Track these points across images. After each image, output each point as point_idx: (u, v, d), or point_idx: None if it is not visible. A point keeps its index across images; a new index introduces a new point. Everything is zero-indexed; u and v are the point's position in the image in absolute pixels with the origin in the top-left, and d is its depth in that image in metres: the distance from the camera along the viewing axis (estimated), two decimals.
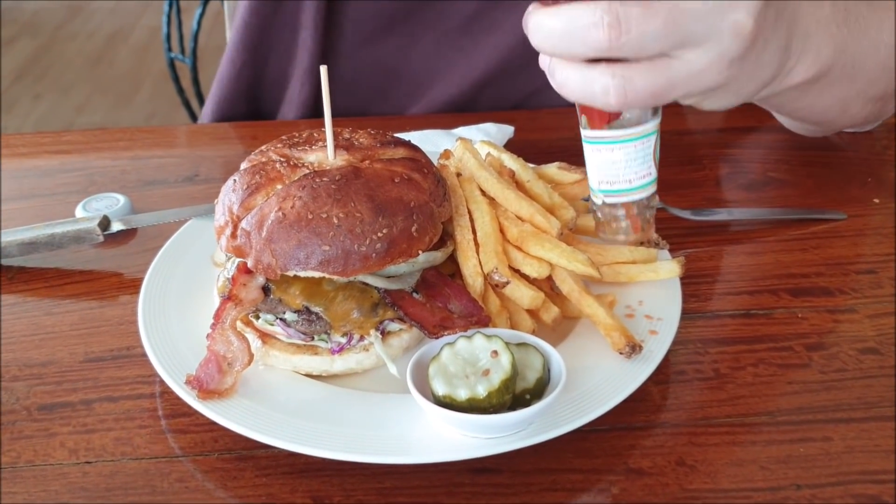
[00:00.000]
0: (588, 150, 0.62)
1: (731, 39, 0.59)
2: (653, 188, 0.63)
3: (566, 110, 1.18)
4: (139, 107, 4.28)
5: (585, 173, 0.64)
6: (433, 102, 1.17)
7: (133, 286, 0.81)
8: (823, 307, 0.78)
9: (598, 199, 0.63)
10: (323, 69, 0.66)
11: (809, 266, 0.83)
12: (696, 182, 0.98)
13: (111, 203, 0.90)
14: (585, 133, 0.61)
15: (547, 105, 1.21)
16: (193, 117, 2.87)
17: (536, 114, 1.16)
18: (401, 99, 1.18)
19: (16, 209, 0.95)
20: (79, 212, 0.90)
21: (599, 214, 0.64)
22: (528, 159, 0.93)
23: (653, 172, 0.62)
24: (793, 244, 0.86)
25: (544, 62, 0.60)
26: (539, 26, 0.57)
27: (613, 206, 0.63)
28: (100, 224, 0.84)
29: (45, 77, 4.72)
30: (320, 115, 1.20)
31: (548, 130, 1.11)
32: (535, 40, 0.58)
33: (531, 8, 0.58)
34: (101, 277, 0.83)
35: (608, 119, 0.60)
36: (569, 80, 0.58)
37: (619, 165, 0.60)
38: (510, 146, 1.04)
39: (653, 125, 0.61)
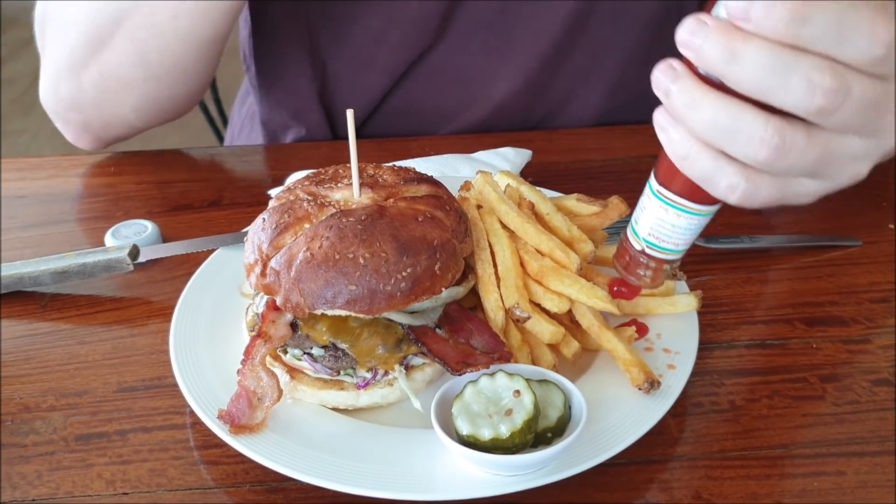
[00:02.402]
0: (652, 203, 0.62)
1: (847, 180, 0.59)
2: (683, 253, 0.64)
3: (581, 131, 1.19)
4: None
5: (623, 208, 0.65)
6: (453, 129, 1.19)
7: (162, 314, 0.83)
8: (837, 337, 0.79)
9: (637, 245, 0.64)
10: (349, 113, 0.68)
11: (824, 294, 0.85)
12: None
13: (139, 230, 0.93)
14: (659, 189, 0.61)
15: (562, 125, 1.23)
16: (209, 118, 2.88)
17: (553, 134, 1.18)
18: (421, 127, 1.20)
19: (45, 234, 0.98)
20: (108, 239, 0.92)
21: (630, 252, 0.65)
22: (545, 181, 0.95)
23: (693, 242, 0.64)
24: (808, 272, 0.88)
25: (667, 122, 0.56)
26: (697, 106, 0.54)
27: (649, 255, 0.64)
28: (130, 253, 0.86)
29: None
30: (337, 133, 1.22)
31: (565, 152, 1.13)
32: (686, 116, 0.54)
33: (682, 76, 0.54)
34: (131, 305, 0.85)
35: (704, 198, 0.61)
36: (698, 161, 0.56)
37: (678, 230, 0.61)
38: (528, 169, 1.06)
39: (718, 206, 0.62)
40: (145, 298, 0.86)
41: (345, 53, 1.16)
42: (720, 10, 0.52)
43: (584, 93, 1.21)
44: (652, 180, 0.61)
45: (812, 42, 0.50)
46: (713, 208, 0.60)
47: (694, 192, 0.59)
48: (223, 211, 1.01)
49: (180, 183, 1.07)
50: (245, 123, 1.38)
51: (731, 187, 0.55)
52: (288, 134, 1.25)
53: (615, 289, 0.72)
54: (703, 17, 0.51)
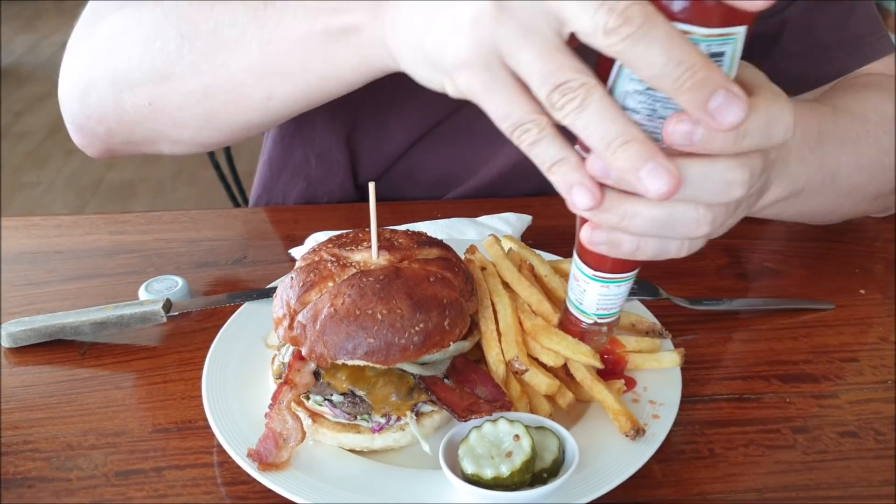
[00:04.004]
0: (591, 285, 0.69)
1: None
2: None
3: None
4: (167, 164, 4.43)
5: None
6: (457, 195, 1.28)
7: (192, 363, 0.90)
8: (809, 392, 0.87)
9: (588, 320, 0.73)
10: (371, 186, 0.76)
11: (799, 354, 0.93)
12: (698, 271, 1.08)
13: (171, 285, 1.01)
14: (595, 273, 0.68)
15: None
16: (221, 175, 2.98)
17: (551, 200, 1.26)
18: (429, 191, 1.29)
19: (81, 288, 1.06)
20: (141, 293, 1.00)
21: (581, 327, 0.74)
22: (545, 244, 1.03)
23: None
24: (784, 332, 0.96)
25: (604, 237, 0.64)
26: (634, 215, 0.60)
27: (601, 324, 0.73)
28: (164, 307, 0.94)
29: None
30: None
31: (562, 217, 1.20)
32: (626, 226, 0.61)
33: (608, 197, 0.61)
34: (164, 354, 0.93)
35: (634, 265, 0.69)
36: (648, 247, 0.63)
37: (621, 295, 0.70)
38: (528, 232, 1.15)
39: None
40: (177, 348, 0.94)
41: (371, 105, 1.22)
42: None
43: None
44: (584, 268, 0.69)
45: (748, 147, 0.60)
46: (636, 270, 0.69)
47: (628, 264, 0.68)
48: (247, 268, 1.09)
49: (207, 241, 1.16)
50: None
51: (678, 251, 0.65)
52: (293, 177, 1.33)
53: (605, 357, 0.81)
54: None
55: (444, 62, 0.63)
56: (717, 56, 0.56)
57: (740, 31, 0.56)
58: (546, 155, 0.60)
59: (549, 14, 0.56)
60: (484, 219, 1.13)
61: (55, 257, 1.12)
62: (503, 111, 0.60)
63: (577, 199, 0.59)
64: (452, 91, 0.65)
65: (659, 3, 0.54)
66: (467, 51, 0.60)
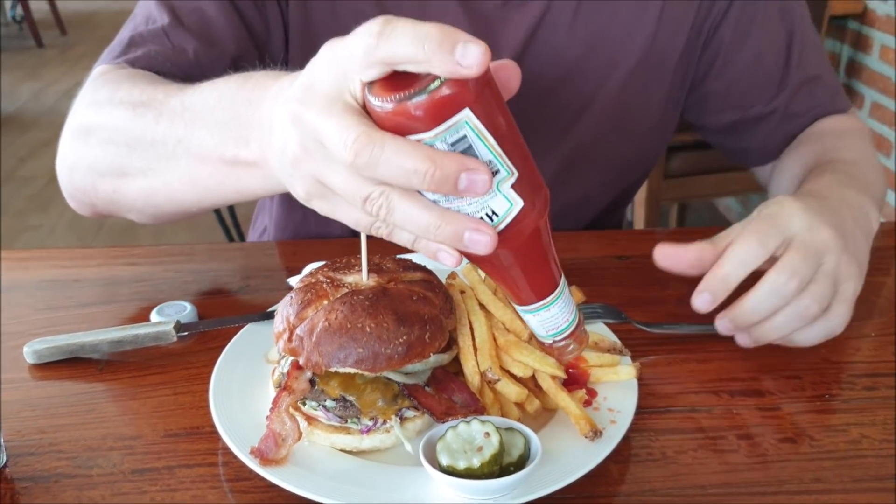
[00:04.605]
0: (530, 317, 0.78)
1: None
2: (577, 310, 0.83)
3: (553, 234, 1.40)
4: None
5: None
6: None
7: (199, 377, 1.00)
8: (754, 405, 0.97)
9: (549, 341, 0.82)
10: None
11: (747, 372, 1.03)
12: (661, 300, 1.18)
13: (180, 309, 1.11)
14: (525, 309, 0.77)
15: None
16: (220, 219, 3.09)
17: None
18: None
19: (98, 312, 1.16)
20: (153, 316, 1.10)
21: (550, 348, 0.84)
22: None
23: (573, 299, 0.82)
24: (735, 354, 1.05)
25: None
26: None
27: (560, 340, 0.82)
28: (174, 327, 1.04)
29: None
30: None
31: None
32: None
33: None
34: (175, 370, 1.02)
35: (552, 285, 0.77)
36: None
37: (559, 315, 0.79)
38: None
39: (563, 277, 0.78)
40: (185, 365, 1.03)
41: None
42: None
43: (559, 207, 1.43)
44: (517, 308, 0.79)
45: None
46: (562, 280, 0.77)
47: (546, 288, 0.76)
48: (249, 295, 1.19)
49: (212, 272, 1.26)
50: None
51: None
52: (294, 235, 1.44)
53: (569, 370, 0.92)
54: None
55: (300, 196, 0.75)
56: (459, 141, 0.63)
57: (463, 116, 0.62)
58: (404, 238, 0.71)
59: (327, 146, 0.67)
60: None
61: (73, 285, 1.22)
62: (352, 222, 0.72)
63: (444, 259, 0.70)
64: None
65: (384, 124, 0.64)
66: (302, 190, 0.74)
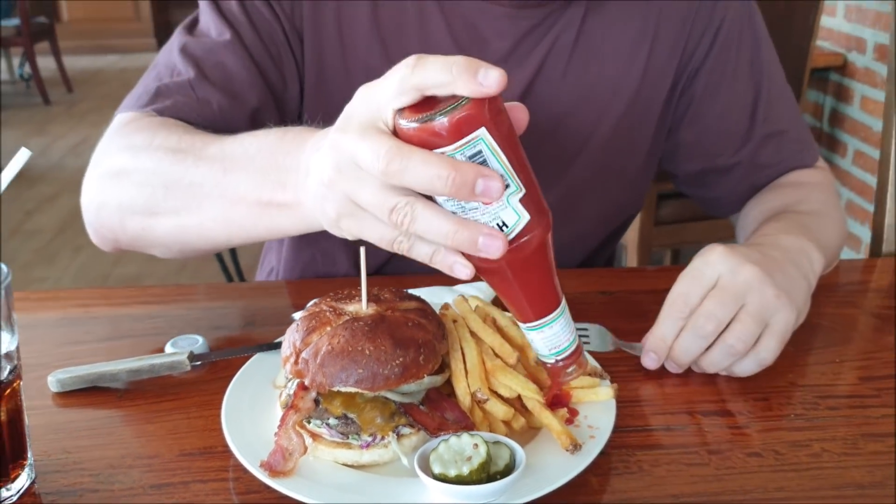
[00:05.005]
0: (533, 334, 0.88)
1: None
2: (577, 335, 0.91)
3: None
4: (171, 260, 4.64)
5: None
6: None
7: (211, 403, 1.08)
8: (725, 424, 1.05)
9: (551, 360, 0.91)
10: (362, 250, 0.96)
11: (720, 395, 1.11)
12: (642, 330, 1.26)
13: (193, 342, 1.19)
14: (530, 325, 0.86)
15: None
16: (224, 267, 3.19)
17: None
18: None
19: (115, 346, 1.24)
20: (168, 348, 1.18)
21: (549, 369, 0.92)
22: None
23: (573, 323, 0.91)
24: (710, 378, 1.13)
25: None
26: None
27: (560, 359, 0.91)
28: (188, 357, 1.13)
29: (84, 231, 5.12)
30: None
31: None
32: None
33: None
34: (188, 396, 1.10)
35: (555, 301, 0.87)
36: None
37: (561, 333, 0.87)
38: (497, 300, 1.34)
39: (562, 297, 0.89)
40: (198, 392, 1.11)
41: None
42: None
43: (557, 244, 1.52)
44: (521, 325, 0.89)
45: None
46: (564, 301, 0.87)
47: (549, 304, 0.86)
48: (257, 329, 1.28)
49: (222, 309, 1.35)
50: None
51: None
52: (303, 274, 1.53)
53: (554, 391, 1.00)
54: None
55: (330, 218, 0.87)
56: (475, 155, 0.75)
57: (480, 133, 0.74)
58: (422, 253, 0.83)
59: (361, 163, 0.78)
60: (458, 287, 1.32)
61: (91, 321, 1.31)
62: (377, 238, 0.84)
63: (459, 272, 0.82)
64: (348, 236, 0.89)
65: (412, 140, 0.76)
66: (333, 210, 0.86)
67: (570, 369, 0.92)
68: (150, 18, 10.66)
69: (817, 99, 3.78)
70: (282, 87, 1.34)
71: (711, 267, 1.09)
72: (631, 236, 3.38)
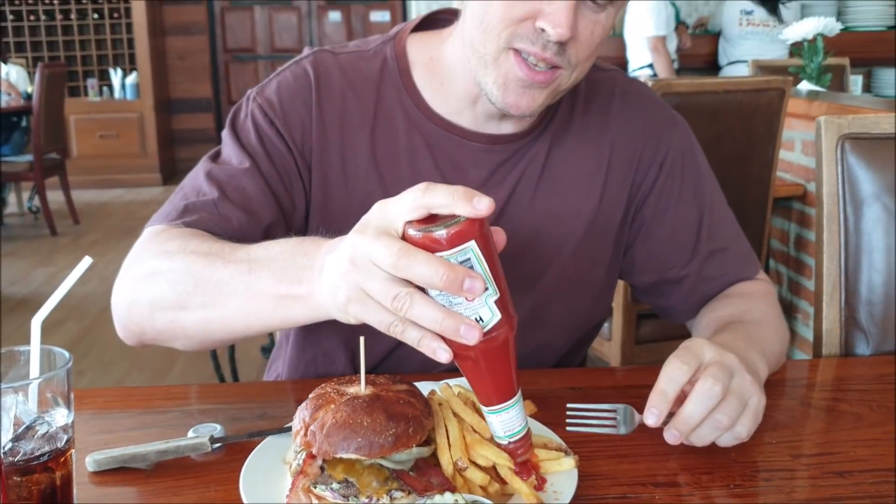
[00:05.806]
0: (492, 417, 1.07)
1: None
2: (527, 423, 1.11)
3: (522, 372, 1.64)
4: (173, 382, 4.78)
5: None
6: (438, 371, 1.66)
7: (229, 480, 1.24)
8: (674, 493, 1.21)
9: (504, 441, 1.11)
10: (361, 340, 1.15)
11: (670, 470, 1.27)
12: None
13: (212, 429, 1.36)
14: (490, 409, 1.06)
15: None
16: (219, 373, 3.34)
17: None
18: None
19: (142, 434, 1.40)
20: (190, 433, 1.36)
21: (507, 449, 1.11)
22: None
23: (525, 412, 1.10)
24: (661, 455, 1.30)
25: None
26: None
27: (513, 442, 1.10)
28: (209, 440, 1.30)
29: (88, 355, 5.28)
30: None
31: None
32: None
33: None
34: (209, 474, 1.27)
35: (512, 388, 1.08)
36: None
37: (515, 418, 1.08)
38: None
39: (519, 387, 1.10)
40: (218, 470, 1.28)
41: None
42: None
43: (527, 350, 1.70)
44: (483, 408, 1.09)
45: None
46: (520, 393, 1.08)
47: (508, 392, 1.06)
48: (267, 420, 1.45)
49: (236, 403, 1.52)
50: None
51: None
52: (305, 373, 1.71)
53: (525, 462, 1.17)
54: None
55: (340, 303, 1.09)
56: (465, 261, 0.96)
57: (470, 244, 0.96)
58: (412, 337, 1.03)
59: (374, 258, 0.99)
60: (444, 381, 1.50)
61: (119, 415, 1.48)
62: (377, 321, 1.05)
63: (440, 355, 1.02)
64: (352, 320, 1.10)
65: (417, 245, 0.98)
66: (344, 295, 1.06)
67: (519, 451, 1.13)
68: (156, 154, 11.11)
69: (783, 226, 4.05)
70: (291, 207, 1.57)
71: (701, 348, 1.29)
72: (613, 354, 3.56)
